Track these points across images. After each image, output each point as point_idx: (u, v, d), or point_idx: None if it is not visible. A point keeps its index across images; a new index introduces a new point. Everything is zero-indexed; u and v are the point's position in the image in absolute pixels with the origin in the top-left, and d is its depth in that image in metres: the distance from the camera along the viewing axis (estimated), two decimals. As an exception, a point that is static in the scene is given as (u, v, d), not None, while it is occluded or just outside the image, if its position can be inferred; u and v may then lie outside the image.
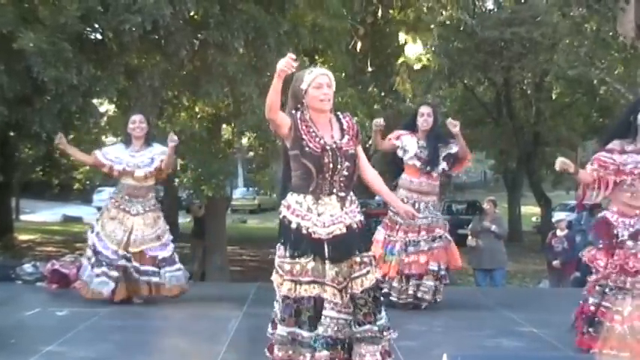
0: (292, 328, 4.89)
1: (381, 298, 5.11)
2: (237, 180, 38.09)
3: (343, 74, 14.99)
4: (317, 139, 4.95)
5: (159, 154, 8.43)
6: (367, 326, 4.86)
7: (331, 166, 4.92)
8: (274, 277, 4.99)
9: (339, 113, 5.18)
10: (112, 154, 8.47)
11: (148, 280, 8.21)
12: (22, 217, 35.40)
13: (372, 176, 5.23)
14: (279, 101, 4.84)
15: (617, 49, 18.36)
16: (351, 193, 5.05)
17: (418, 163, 8.28)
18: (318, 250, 4.88)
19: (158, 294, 8.30)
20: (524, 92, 30.45)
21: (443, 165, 8.42)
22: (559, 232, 14.20)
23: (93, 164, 8.85)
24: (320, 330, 4.83)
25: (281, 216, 5.02)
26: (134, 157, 8.37)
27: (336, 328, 4.85)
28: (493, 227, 13.26)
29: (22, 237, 26.59)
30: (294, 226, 4.92)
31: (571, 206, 31.16)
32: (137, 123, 8.44)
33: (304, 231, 4.89)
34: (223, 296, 8.93)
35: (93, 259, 8.24)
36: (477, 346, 6.73)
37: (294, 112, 5.00)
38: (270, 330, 5.04)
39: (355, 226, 4.96)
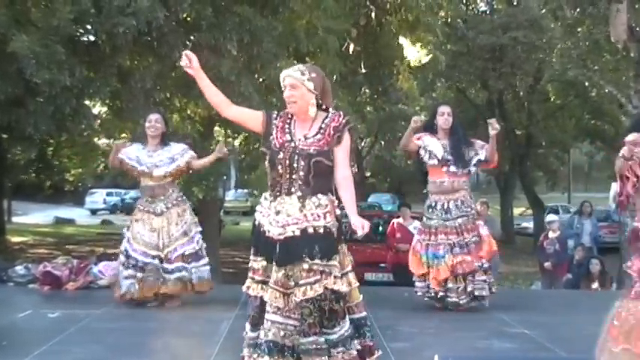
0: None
1: (344, 313, 4.79)
2: (229, 182, 38.01)
3: (334, 77, 15.01)
4: (285, 136, 4.87)
5: (179, 153, 8.42)
6: (312, 338, 4.67)
7: (287, 162, 4.77)
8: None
9: (333, 112, 4.95)
10: (132, 154, 8.39)
11: (178, 276, 8.18)
12: (14, 219, 35.35)
13: (339, 179, 4.83)
14: (217, 99, 5.01)
15: (609, 51, 18.39)
16: (320, 196, 4.77)
17: (447, 167, 8.33)
18: (269, 249, 4.78)
19: (187, 291, 8.30)
20: (517, 94, 30.50)
21: (473, 169, 8.53)
22: (551, 234, 14.23)
23: (120, 166, 8.61)
24: (261, 334, 4.73)
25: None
26: (152, 156, 8.33)
27: (281, 334, 4.68)
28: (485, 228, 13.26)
29: (15, 239, 26.54)
30: (257, 222, 4.91)
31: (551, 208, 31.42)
32: (153, 122, 8.38)
33: (261, 229, 4.84)
34: (215, 298, 8.91)
35: (125, 263, 8.26)
36: (468, 347, 6.73)
37: (280, 112, 5.01)
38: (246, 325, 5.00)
39: (312, 230, 4.71)
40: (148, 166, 8.29)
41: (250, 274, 4.89)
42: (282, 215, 4.74)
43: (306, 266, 4.65)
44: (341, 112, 4.99)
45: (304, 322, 4.66)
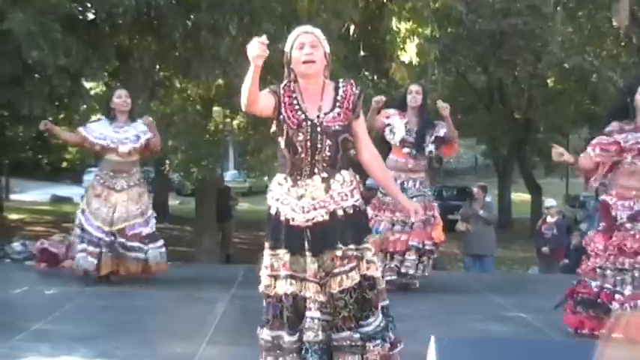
0: (277, 332, 4.34)
1: (377, 301, 4.40)
2: (228, 163, 38.01)
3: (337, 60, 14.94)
4: (297, 113, 4.33)
5: (145, 131, 8.41)
6: (346, 333, 4.25)
7: (309, 144, 4.29)
8: (261, 273, 4.43)
9: (340, 81, 4.48)
10: (97, 130, 8.35)
11: (135, 256, 8.20)
12: (12, 197, 35.29)
13: (367, 159, 4.48)
14: (257, 93, 4.20)
15: (611, 36, 18.37)
16: (343, 173, 4.35)
17: (405, 148, 8.32)
18: (295, 239, 4.28)
19: (145, 272, 8.30)
20: (517, 79, 30.42)
21: (431, 147, 8.45)
22: (549, 219, 14.24)
23: (80, 142, 8.67)
24: (310, 336, 4.23)
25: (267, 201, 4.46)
26: (118, 132, 8.28)
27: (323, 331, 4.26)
28: (481, 212, 13.28)
29: (12, 216, 26.53)
30: (273, 211, 4.38)
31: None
32: (123, 97, 8.35)
33: (282, 217, 4.32)
34: (212, 278, 8.92)
35: (79, 237, 8.23)
36: (464, 330, 6.74)
37: (281, 85, 4.41)
38: (258, 330, 4.48)
39: (341, 212, 4.29)
40: (114, 141, 8.25)
41: (269, 271, 4.36)
42: (305, 199, 4.29)
43: (339, 253, 4.23)
44: (352, 81, 4.51)
45: (338, 315, 4.25)
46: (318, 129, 4.30)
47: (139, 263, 8.23)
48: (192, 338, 6.04)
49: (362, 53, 17.29)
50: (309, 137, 4.29)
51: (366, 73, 18.89)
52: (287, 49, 4.38)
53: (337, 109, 4.36)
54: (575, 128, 33.43)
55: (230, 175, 41.84)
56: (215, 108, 16.38)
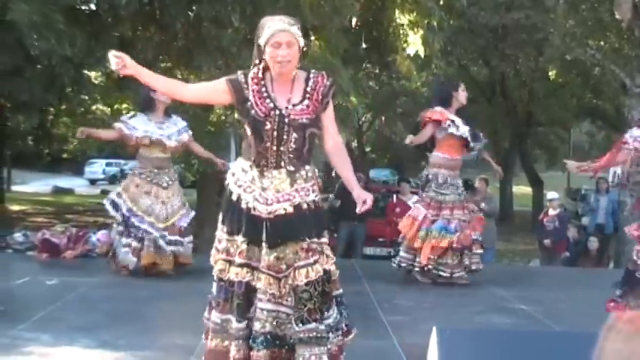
0: (227, 315, 4.32)
1: (332, 293, 4.35)
2: (229, 154, 37.94)
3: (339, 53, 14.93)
4: (265, 101, 4.24)
5: (186, 127, 8.47)
6: (312, 325, 4.18)
7: (275, 134, 4.21)
8: (212, 253, 4.44)
9: (312, 71, 4.40)
10: (140, 126, 8.28)
11: (175, 249, 8.26)
12: (14, 188, 35.35)
13: (331, 148, 4.41)
14: (168, 85, 4.53)
15: (613, 29, 18.31)
16: (308, 168, 4.32)
17: (467, 143, 8.54)
18: (255, 229, 4.21)
19: (177, 264, 8.36)
20: (519, 72, 30.40)
21: (479, 145, 8.68)
22: (551, 211, 14.24)
23: (119, 139, 8.55)
24: (257, 326, 4.18)
25: (225, 183, 4.43)
26: (162, 128, 8.32)
27: (275, 323, 4.19)
28: (483, 205, 13.26)
29: (13, 207, 26.56)
30: (234, 197, 4.31)
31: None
32: None
33: (244, 205, 4.25)
34: (212, 269, 8.92)
35: (123, 232, 8.23)
36: (466, 321, 6.75)
37: (248, 74, 4.31)
38: (205, 314, 4.49)
39: (306, 206, 4.25)
40: (161, 136, 8.27)
41: (224, 256, 4.34)
42: (270, 191, 4.23)
43: (305, 245, 4.19)
44: (324, 73, 4.42)
45: (303, 308, 4.18)
46: (286, 120, 4.23)
47: (173, 258, 8.29)
48: (193, 329, 6.05)
49: (364, 46, 17.25)
50: (275, 127, 4.22)
51: (368, 65, 18.87)
52: (261, 42, 4.24)
53: (306, 101, 4.29)
54: (577, 122, 33.42)
55: (231, 167, 41.89)
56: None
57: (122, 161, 45.39)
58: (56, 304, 6.68)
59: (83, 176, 46.88)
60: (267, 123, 4.22)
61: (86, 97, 14.85)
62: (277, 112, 4.23)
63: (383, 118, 38.96)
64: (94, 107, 18.99)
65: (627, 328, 3.37)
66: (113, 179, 46.98)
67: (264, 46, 4.22)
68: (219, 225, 4.38)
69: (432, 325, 4.65)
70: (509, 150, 32.56)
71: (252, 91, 4.27)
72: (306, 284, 4.17)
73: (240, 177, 4.33)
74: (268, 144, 4.23)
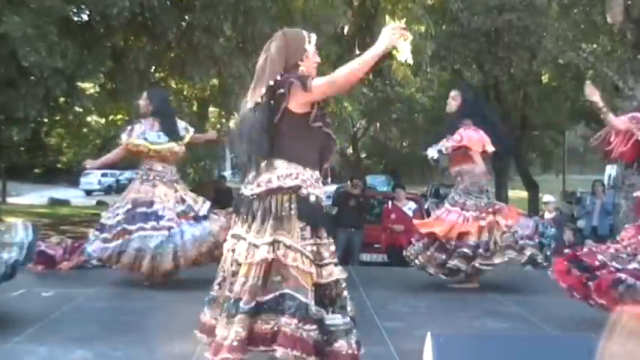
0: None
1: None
2: (224, 163, 37.99)
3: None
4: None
5: (183, 128, 8.50)
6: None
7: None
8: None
9: None
10: (151, 137, 8.30)
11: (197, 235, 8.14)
12: (9, 200, 35.29)
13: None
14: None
15: (605, 32, 18.36)
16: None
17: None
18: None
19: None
20: (512, 76, 30.45)
21: None
22: (547, 215, 14.26)
23: (130, 151, 8.53)
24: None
25: (301, 191, 4.37)
26: (160, 135, 8.35)
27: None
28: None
29: (9, 220, 26.50)
30: (312, 199, 4.40)
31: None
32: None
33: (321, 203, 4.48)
34: (210, 277, 8.90)
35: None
36: (461, 326, 6.75)
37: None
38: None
39: None
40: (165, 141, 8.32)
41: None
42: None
43: None
44: None
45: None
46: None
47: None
48: (189, 338, 6.04)
49: (357, 52, 17.29)
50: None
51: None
52: (307, 46, 4.46)
53: None
54: (571, 125, 33.45)
55: (228, 176, 42.01)
56: (211, 108, 16.42)
57: (117, 172, 45.45)
58: (52, 316, 6.68)
59: (79, 187, 46.81)
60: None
61: (80, 109, 14.79)
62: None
63: (378, 124, 38.98)
64: (88, 118, 18.97)
65: (631, 323, 3.39)
66: (109, 190, 47.03)
67: (311, 51, 4.48)
68: (299, 233, 4.41)
69: (428, 330, 4.65)
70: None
71: None
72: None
73: (311, 182, 4.43)
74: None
